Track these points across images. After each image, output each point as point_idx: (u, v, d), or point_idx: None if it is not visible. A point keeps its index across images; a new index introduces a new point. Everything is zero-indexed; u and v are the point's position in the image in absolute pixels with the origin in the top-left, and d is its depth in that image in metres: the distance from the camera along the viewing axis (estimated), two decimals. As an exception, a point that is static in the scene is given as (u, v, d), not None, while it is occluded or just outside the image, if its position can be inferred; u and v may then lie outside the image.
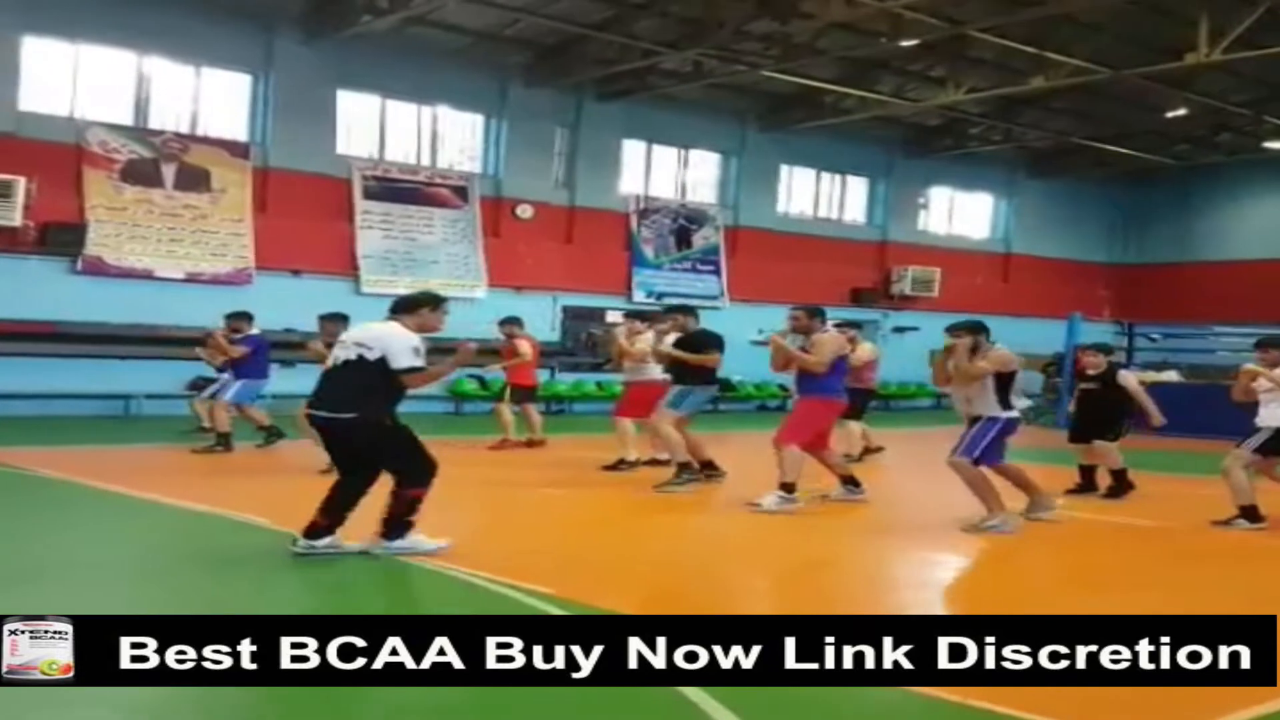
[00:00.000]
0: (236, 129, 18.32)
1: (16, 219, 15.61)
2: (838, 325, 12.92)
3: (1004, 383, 8.46)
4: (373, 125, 19.63)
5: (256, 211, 18.08)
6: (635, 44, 18.66)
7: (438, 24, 18.35)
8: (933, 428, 20.83)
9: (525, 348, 13.64)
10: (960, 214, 27.84)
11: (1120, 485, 10.58)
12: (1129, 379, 10.86)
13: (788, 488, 8.94)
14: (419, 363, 6.47)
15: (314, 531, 6.52)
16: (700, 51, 18.80)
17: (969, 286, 26.18)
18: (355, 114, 19.41)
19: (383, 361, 6.42)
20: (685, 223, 22.88)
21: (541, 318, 19.59)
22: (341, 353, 6.66)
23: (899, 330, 25.26)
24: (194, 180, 17.56)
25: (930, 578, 7.37)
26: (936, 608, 6.51)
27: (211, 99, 18.13)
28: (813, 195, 25.29)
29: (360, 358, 6.50)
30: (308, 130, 18.45)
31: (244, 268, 17.80)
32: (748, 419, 19.13)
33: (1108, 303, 27.98)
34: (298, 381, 16.57)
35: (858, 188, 26.02)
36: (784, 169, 24.42)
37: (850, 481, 9.60)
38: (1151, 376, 19.31)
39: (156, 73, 17.58)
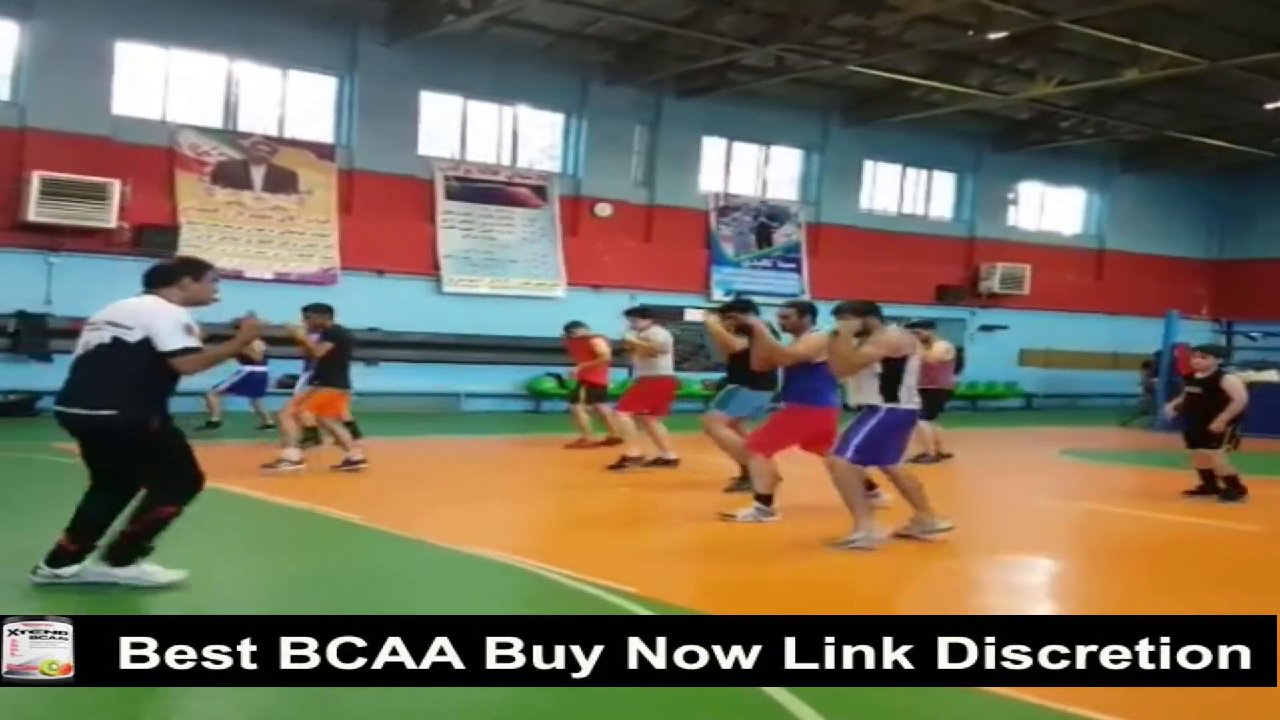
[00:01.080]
0: (322, 131, 18.67)
1: (112, 221, 16.08)
2: (910, 326, 12.75)
3: (893, 370, 7.30)
4: (454, 125, 19.85)
5: (342, 212, 18.42)
6: (717, 40, 18.59)
7: (519, 23, 18.50)
8: (1019, 428, 20.55)
9: (603, 347, 13.70)
10: (1051, 209, 27.22)
11: (1233, 490, 10.34)
12: (1235, 385, 10.45)
13: (763, 499, 8.34)
14: (192, 342, 5.38)
15: (60, 558, 5.40)
16: (783, 47, 18.65)
17: (1060, 283, 25.65)
18: (437, 115, 19.64)
19: (146, 344, 5.33)
20: (766, 220, 22.71)
21: (620, 317, 19.53)
22: (93, 336, 5.46)
23: (987, 329, 24.82)
24: (282, 182, 17.95)
25: (1014, 582, 7.18)
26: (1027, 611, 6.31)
27: (298, 102, 18.51)
28: (897, 191, 24.94)
29: (117, 340, 5.36)
30: (391, 131, 18.73)
31: (330, 268, 18.14)
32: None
33: (1205, 300, 27.13)
34: (380, 380, 17.18)
35: (944, 183, 25.58)
36: (867, 164, 24.11)
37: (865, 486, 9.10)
38: (1251, 376, 18.69)
39: (245, 76, 18.00)
